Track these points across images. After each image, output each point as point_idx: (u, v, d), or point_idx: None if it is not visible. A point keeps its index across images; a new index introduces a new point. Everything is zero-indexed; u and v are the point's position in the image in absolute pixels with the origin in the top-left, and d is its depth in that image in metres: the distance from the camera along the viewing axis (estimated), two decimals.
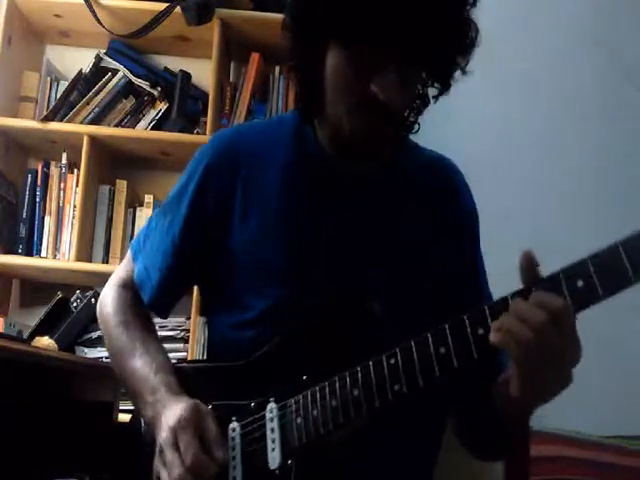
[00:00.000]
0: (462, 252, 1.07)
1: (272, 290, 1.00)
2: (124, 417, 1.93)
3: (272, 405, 0.93)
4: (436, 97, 1.02)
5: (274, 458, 0.90)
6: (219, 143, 1.11)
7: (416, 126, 1.04)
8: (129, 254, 1.17)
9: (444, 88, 1.00)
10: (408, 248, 1.03)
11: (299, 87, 1.04)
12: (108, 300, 1.14)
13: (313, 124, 1.06)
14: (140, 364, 1.03)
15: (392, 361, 0.83)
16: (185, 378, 1.04)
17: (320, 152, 1.05)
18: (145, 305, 1.13)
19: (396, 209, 1.05)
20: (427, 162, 1.12)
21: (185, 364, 1.10)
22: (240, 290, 1.03)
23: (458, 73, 0.98)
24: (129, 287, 1.14)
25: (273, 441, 0.91)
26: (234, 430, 0.95)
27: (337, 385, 0.87)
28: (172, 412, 0.93)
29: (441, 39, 0.90)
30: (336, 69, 0.94)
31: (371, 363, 0.85)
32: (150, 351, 1.05)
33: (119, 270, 1.18)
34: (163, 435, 0.92)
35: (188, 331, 2.17)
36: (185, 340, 2.17)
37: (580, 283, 0.74)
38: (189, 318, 2.19)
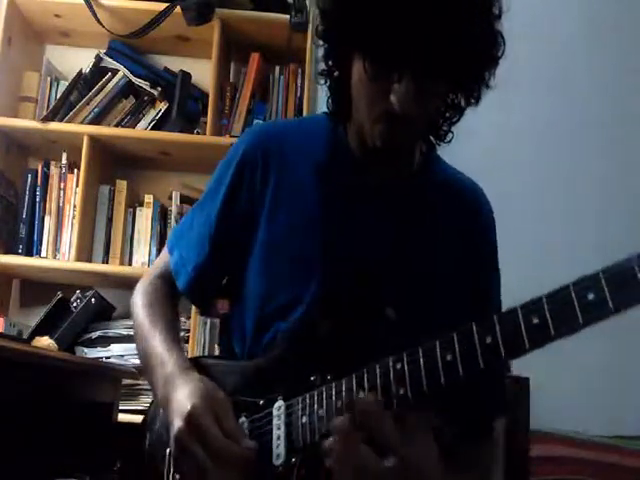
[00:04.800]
0: (477, 269, 1.07)
1: (295, 288, 1.01)
2: (124, 417, 1.94)
3: (280, 402, 0.93)
4: (464, 108, 1.02)
5: (278, 454, 0.90)
6: (254, 137, 1.12)
7: (449, 135, 1.05)
8: (165, 248, 1.19)
9: (470, 100, 0.99)
10: (427, 257, 1.04)
11: (330, 93, 1.06)
12: (140, 288, 1.16)
13: (345, 127, 1.08)
14: (156, 342, 1.04)
15: (398, 366, 0.83)
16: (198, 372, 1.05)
17: (350, 156, 1.07)
18: (179, 293, 1.14)
19: (420, 218, 1.06)
20: (454, 179, 1.13)
21: (199, 358, 1.10)
22: (264, 284, 1.04)
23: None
24: (164, 277, 1.16)
25: (278, 437, 0.91)
26: (242, 425, 0.96)
27: (343, 386, 0.87)
28: (182, 395, 0.93)
29: (458, 53, 0.89)
30: (359, 80, 0.95)
31: (377, 366, 0.85)
32: (166, 330, 1.06)
33: (154, 264, 1.20)
34: (177, 425, 0.91)
35: (188, 331, 2.18)
36: (185, 340, 2.17)
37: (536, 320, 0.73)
38: (189, 318, 2.19)
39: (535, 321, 0.73)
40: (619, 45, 2.49)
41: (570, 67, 2.48)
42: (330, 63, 1.02)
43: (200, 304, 1.16)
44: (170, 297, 1.15)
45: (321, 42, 1.01)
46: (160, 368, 1.01)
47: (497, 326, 0.75)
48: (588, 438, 1.98)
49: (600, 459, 1.92)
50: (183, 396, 0.93)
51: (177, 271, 1.13)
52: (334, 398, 0.87)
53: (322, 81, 1.05)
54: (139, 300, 1.13)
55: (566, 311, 0.71)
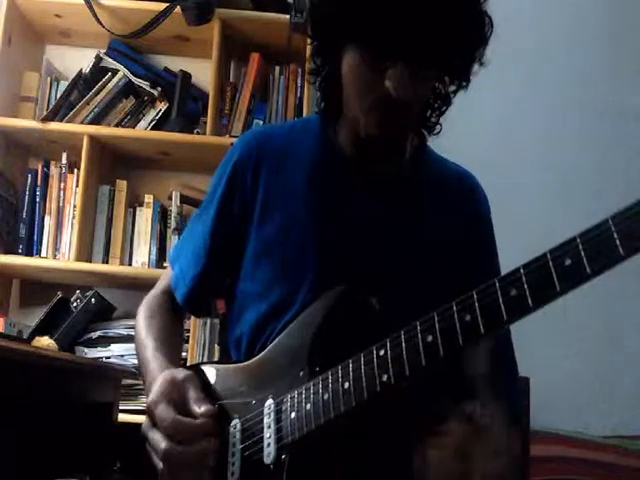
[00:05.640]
0: (478, 256, 1.08)
1: (289, 288, 1.02)
2: (124, 417, 1.94)
3: (270, 401, 0.94)
4: (454, 92, 1.03)
5: (269, 453, 0.91)
6: (246, 143, 1.13)
7: (438, 127, 1.06)
8: (168, 264, 1.21)
9: (461, 84, 1.01)
10: (426, 252, 1.04)
11: (319, 90, 1.06)
12: (144, 302, 1.17)
13: (335, 127, 1.08)
14: (148, 351, 1.06)
15: (381, 352, 0.83)
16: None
17: (341, 154, 1.07)
18: (179, 305, 1.16)
19: (413, 212, 1.06)
20: (448, 169, 1.14)
21: (195, 366, 1.11)
22: (257, 285, 1.05)
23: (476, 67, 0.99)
24: (168, 292, 1.17)
25: (269, 436, 0.92)
26: (235, 427, 0.96)
27: (330, 379, 0.88)
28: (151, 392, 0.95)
29: (451, 36, 0.90)
30: (352, 69, 0.95)
31: (362, 355, 0.85)
32: (158, 339, 1.08)
33: (160, 278, 1.22)
34: (143, 423, 0.94)
35: (188, 331, 2.18)
36: (185, 340, 2.17)
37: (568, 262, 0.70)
38: (189, 318, 2.19)
39: (513, 292, 0.72)
40: (618, 35, 2.50)
41: (571, 56, 2.48)
42: (319, 59, 1.02)
43: (200, 314, 1.17)
44: (172, 310, 1.16)
45: (309, 40, 1.02)
46: (148, 375, 1.03)
47: (476, 303, 0.75)
48: (588, 438, 1.98)
49: (600, 459, 1.92)
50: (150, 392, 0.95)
51: (176, 284, 1.15)
52: (321, 392, 0.88)
53: (312, 80, 1.05)
54: (141, 314, 1.15)
55: (543, 279, 0.70)
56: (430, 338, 0.78)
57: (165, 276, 1.20)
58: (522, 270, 0.72)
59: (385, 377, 0.82)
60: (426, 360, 0.78)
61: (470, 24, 0.93)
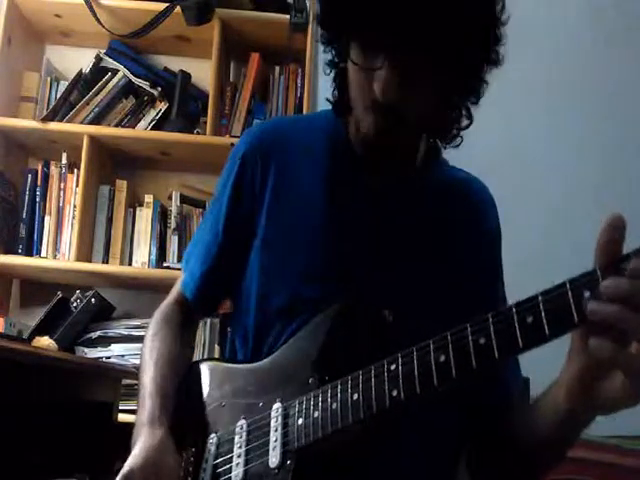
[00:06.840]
0: (483, 267, 1.06)
1: (295, 288, 1.01)
2: (124, 417, 1.94)
3: (278, 405, 0.93)
4: (465, 103, 1.00)
5: (274, 457, 0.90)
6: (251, 137, 1.11)
7: (458, 139, 1.02)
8: (182, 268, 1.19)
9: (470, 98, 0.98)
10: (430, 256, 1.02)
11: (333, 84, 1.04)
12: (156, 314, 1.15)
13: (345, 122, 1.06)
14: (146, 379, 1.04)
15: (392, 367, 0.82)
16: (200, 376, 1.05)
17: (350, 152, 1.05)
18: (194, 318, 1.15)
19: (422, 217, 1.04)
20: (458, 177, 1.12)
21: (203, 361, 1.10)
22: (263, 283, 1.04)
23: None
24: (180, 302, 1.16)
25: (275, 440, 0.91)
26: (241, 427, 0.96)
27: (339, 388, 0.87)
28: (136, 449, 0.94)
29: (439, 32, 0.85)
30: (352, 67, 0.94)
31: (372, 368, 0.84)
32: (159, 367, 1.06)
33: (174, 286, 1.19)
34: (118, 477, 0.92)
35: None
36: None
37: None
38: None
39: (529, 320, 0.70)
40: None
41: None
42: (332, 52, 1.00)
43: (209, 312, 1.16)
44: (180, 325, 1.14)
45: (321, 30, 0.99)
46: (141, 408, 1.01)
47: (491, 326, 0.74)
48: (588, 438, 1.98)
49: (600, 459, 1.91)
50: (135, 451, 0.94)
51: (186, 284, 1.13)
52: (329, 400, 0.87)
53: (327, 71, 1.03)
54: (150, 329, 1.13)
55: (561, 309, 0.68)
56: (443, 358, 0.77)
57: (178, 283, 1.18)
58: (540, 297, 0.70)
59: (395, 392, 0.81)
60: (438, 379, 0.77)
61: (470, 21, 0.88)
